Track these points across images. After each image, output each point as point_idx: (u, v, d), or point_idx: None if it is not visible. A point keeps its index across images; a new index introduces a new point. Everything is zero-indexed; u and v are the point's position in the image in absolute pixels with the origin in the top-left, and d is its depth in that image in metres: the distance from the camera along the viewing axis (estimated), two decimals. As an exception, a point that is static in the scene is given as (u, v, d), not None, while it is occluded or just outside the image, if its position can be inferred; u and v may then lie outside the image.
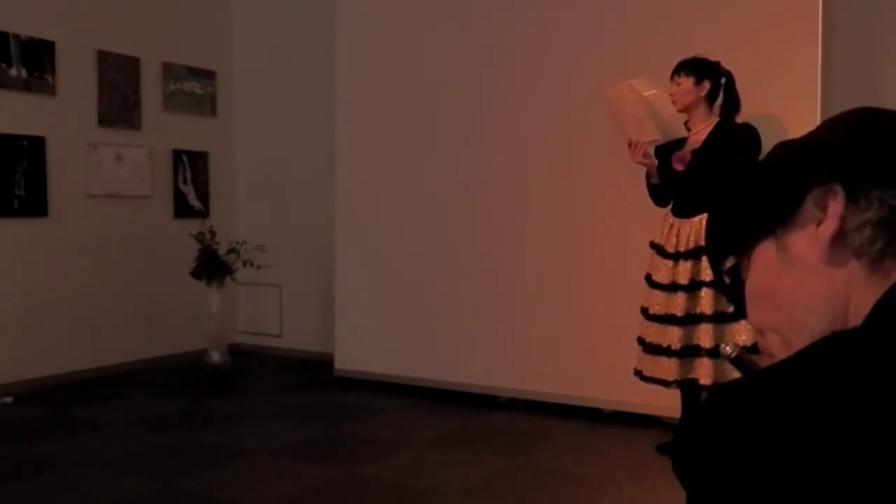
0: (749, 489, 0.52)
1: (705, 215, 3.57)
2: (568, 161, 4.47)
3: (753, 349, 3.62)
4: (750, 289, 0.74)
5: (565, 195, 4.50)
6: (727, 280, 0.78)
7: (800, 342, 0.65)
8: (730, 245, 0.77)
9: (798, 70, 3.84)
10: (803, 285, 0.68)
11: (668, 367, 3.61)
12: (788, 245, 0.69)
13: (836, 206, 0.66)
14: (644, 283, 3.77)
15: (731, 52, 3.69)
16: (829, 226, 0.66)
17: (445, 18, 4.89)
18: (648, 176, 3.78)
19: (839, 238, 0.66)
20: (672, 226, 3.68)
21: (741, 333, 3.48)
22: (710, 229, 0.83)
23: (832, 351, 0.56)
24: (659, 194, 3.78)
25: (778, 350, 0.71)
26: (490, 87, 4.73)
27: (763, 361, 0.73)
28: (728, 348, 0.84)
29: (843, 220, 0.65)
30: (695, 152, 3.61)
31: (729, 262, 0.77)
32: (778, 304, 0.70)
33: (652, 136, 3.65)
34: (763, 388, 0.57)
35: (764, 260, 0.71)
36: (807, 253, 0.68)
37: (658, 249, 3.72)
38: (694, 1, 4.15)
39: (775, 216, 0.70)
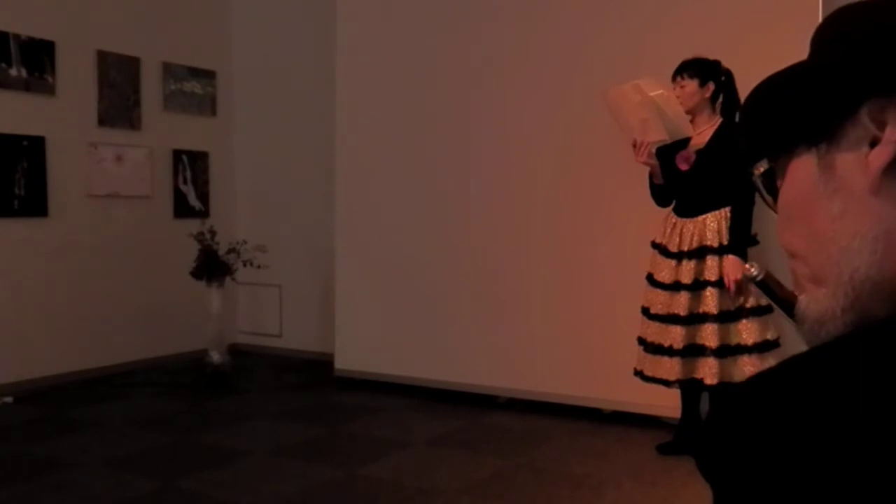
0: (778, 488, 0.48)
1: (708, 215, 3.58)
2: (568, 161, 4.47)
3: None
4: (782, 202, 0.63)
5: (565, 195, 4.50)
6: (759, 183, 0.67)
7: (834, 286, 0.57)
8: (764, 146, 0.65)
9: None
10: (843, 220, 0.56)
11: (670, 367, 3.61)
12: (834, 165, 0.57)
13: (895, 130, 0.53)
14: (645, 282, 3.78)
15: (731, 52, 3.69)
16: (884, 153, 0.54)
17: (446, 19, 4.89)
18: (652, 176, 3.78)
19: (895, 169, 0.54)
20: (675, 225, 3.69)
21: (746, 333, 3.48)
22: (747, 123, 0.69)
23: (874, 342, 0.51)
24: (662, 194, 3.78)
25: (806, 283, 0.61)
26: (490, 88, 4.73)
27: (790, 284, 0.66)
28: (753, 269, 0.78)
29: None
30: (699, 152, 3.62)
31: (762, 166, 0.66)
32: (810, 231, 0.59)
33: (658, 136, 3.65)
34: (797, 381, 0.52)
35: (802, 175, 0.60)
36: (854, 179, 0.56)
37: (660, 249, 3.72)
38: (694, 1, 4.15)
39: (821, 125, 0.58)
